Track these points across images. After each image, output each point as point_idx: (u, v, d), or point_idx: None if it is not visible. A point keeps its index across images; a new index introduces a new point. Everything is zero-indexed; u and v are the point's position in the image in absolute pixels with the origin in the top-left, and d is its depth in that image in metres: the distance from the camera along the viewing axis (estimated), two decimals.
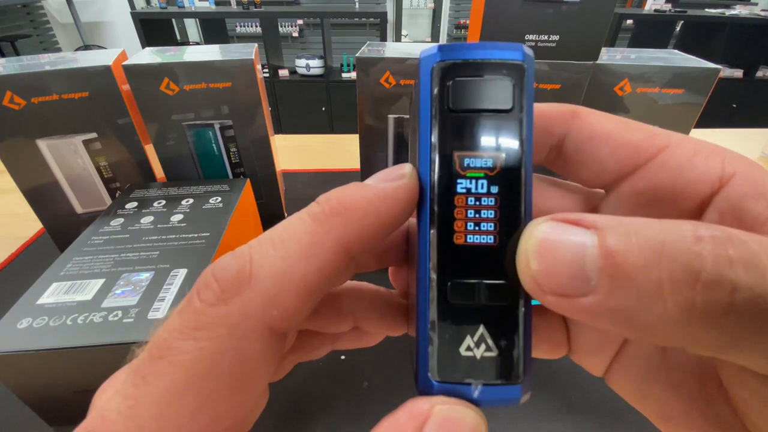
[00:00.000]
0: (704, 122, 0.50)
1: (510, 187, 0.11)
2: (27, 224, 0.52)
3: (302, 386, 0.33)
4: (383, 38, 2.38)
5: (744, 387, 0.10)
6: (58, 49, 2.89)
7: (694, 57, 0.42)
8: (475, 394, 0.10)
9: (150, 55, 0.42)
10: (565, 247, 0.09)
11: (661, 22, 2.66)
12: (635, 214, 0.10)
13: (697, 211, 0.11)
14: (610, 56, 0.41)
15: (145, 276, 0.28)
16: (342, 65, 2.84)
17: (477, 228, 0.11)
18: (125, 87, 0.40)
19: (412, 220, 0.12)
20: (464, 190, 0.11)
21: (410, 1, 3.33)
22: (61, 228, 0.45)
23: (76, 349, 0.24)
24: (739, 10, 2.48)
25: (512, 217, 0.11)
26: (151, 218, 0.35)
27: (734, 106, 2.60)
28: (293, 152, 0.72)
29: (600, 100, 0.41)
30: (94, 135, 0.41)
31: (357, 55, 0.40)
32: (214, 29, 2.95)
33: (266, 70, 2.63)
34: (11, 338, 0.24)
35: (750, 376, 0.10)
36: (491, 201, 0.11)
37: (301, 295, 0.10)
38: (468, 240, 0.11)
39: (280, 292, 0.10)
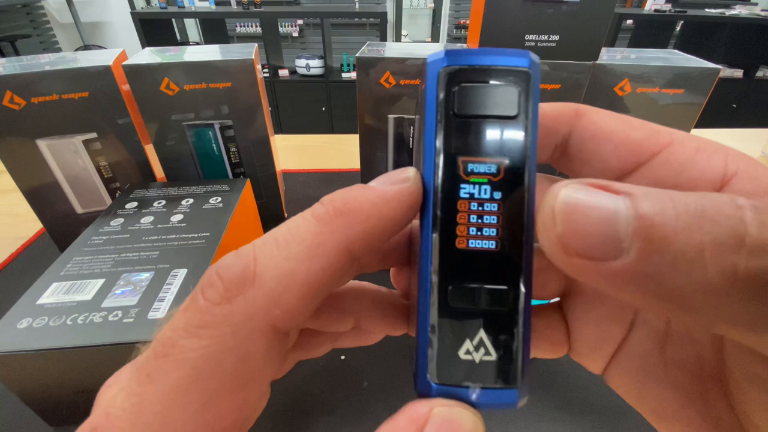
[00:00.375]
0: (704, 122, 0.50)
1: (513, 193, 0.11)
2: (27, 224, 0.52)
3: (302, 386, 0.33)
4: (383, 38, 2.38)
5: (753, 381, 0.10)
6: (58, 49, 2.89)
7: (694, 57, 0.42)
8: (474, 397, 0.10)
9: (150, 55, 0.42)
10: (596, 209, 0.08)
11: (661, 22, 2.66)
12: None
13: None
14: (610, 56, 0.41)
15: (145, 276, 0.28)
16: (342, 65, 2.84)
17: (479, 233, 0.11)
18: (125, 87, 0.40)
19: (416, 223, 0.12)
20: (467, 195, 0.11)
21: (410, 1, 3.33)
22: (61, 228, 0.45)
23: (76, 349, 0.24)
24: (739, 10, 2.48)
25: (515, 223, 0.11)
26: (151, 218, 0.35)
27: (734, 106, 2.60)
28: (293, 152, 0.72)
29: (600, 100, 0.41)
30: (94, 135, 0.41)
31: (357, 55, 0.40)
32: (214, 29, 2.95)
33: (266, 70, 2.63)
34: (11, 338, 0.24)
35: (764, 368, 0.10)
36: (494, 207, 0.11)
37: (304, 295, 0.10)
38: (470, 245, 0.11)
39: (284, 292, 0.10)
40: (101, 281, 0.28)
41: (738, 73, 2.54)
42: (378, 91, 0.41)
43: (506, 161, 0.11)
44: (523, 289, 0.11)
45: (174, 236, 0.33)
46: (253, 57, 0.42)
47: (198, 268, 0.29)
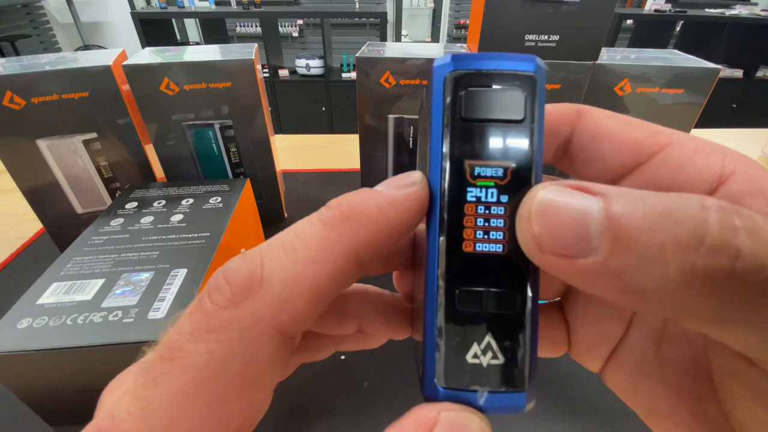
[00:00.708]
0: (704, 122, 0.50)
1: (520, 196, 0.11)
2: (27, 224, 0.52)
3: (302, 386, 0.33)
4: (383, 38, 2.38)
5: (732, 377, 0.10)
6: (58, 49, 2.89)
7: (694, 57, 0.42)
8: (481, 401, 0.10)
9: (150, 55, 0.42)
10: (570, 210, 0.09)
11: (661, 22, 2.66)
12: None
13: None
14: (610, 56, 0.41)
15: (145, 276, 0.28)
16: (342, 65, 2.84)
17: (486, 236, 0.11)
18: (125, 87, 0.40)
19: (420, 226, 0.12)
20: (474, 199, 0.11)
21: (410, 1, 3.33)
22: (61, 228, 0.45)
23: (76, 349, 0.24)
24: (739, 10, 2.48)
25: None
26: (151, 218, 0.35)
27: (734, 106, 2.60)
28: (293, 152, 0.72)
29: (600, 100, 0.41)
30: (94, 135, 0.41)
31: (357, 55, 0.40)
32: (214, 29, 2.95)
33: (266, 70, 2.63)
34: (11, 338, 0.24)
35: (739, 363, 0.10)
36: (501, 210, 0.11)
37: (311, 299, 0.10)
38: (477, 248, 0.11)
39: (291, 297, 0.10)
40: (101, 281, 0.28)
41: (738, 73, 2.54)
42: (378, 91, 0.41)
43: (513, 165, 0.11)
44: (530, 292, 0.11)
45: (174, 236, 0.33)
46: (253, 57, 0.42)
47: (198, 268, 0.29)
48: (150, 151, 0.44)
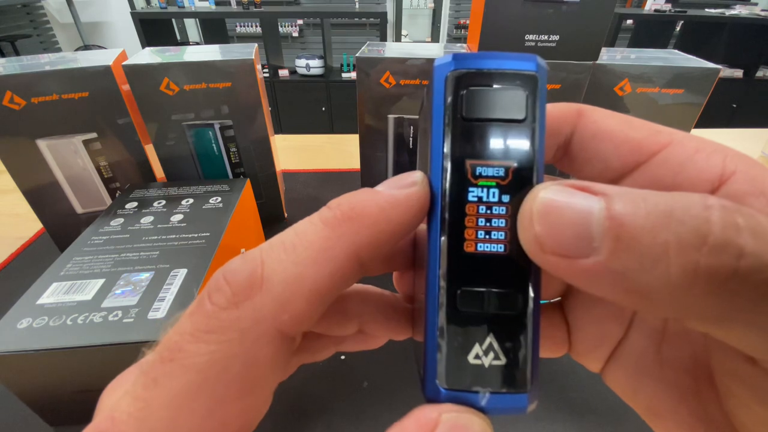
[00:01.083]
0: (704, 122, 0.50)
1: (521, 196, 0.11)
2: (27, 224, 0.52)
3: (302, 386, 0.33)
4: (383, 38, 2.38)
5: (734, 376, 0.10)
6: (58, 49, 2.89)
7: (694, 57, 0.42)
8: (483, 402, 0.10)
9: (150, 55, 0.42)
10: (571, 210, 0.09)
11: (661, 22, 2.65)
12: None
13: None
14: (610, 56, 0.41)
15: (145, 276, 0.28)
16: (342, 65, 2.84)
17: (488, 236, 0.11)
18: (125, 87, 0.40)
19: (421, 226, 0.12)
20: (476, 199, 0.11)
21: (410, 1, 3.33)
22: (61, 228, 0.45)
23: (76, 349, 0.24)
24: (739, 10, 2.48)
25: None
26: (151, 218, 0.35)
27: (734, 106, 2.60)
28: (293, 152, 0.72)
29: (600, 100, 0.41)
30: (94, 135, 0.41)
31: (357, 55, 0.40)
32: (214, 29, 2.95)
33: (266, 70, 2.63)
34: (11, 338, 0.24)
35: (741, 362, 0.10)
36: (502, 210, 0.11)
37: (312, 300, 0.10)
38: (478, 248, 0.11)
39: (292, 297, 0.10)
40: (101, 281, 0.28)
41: (738, 73, 2.54)
42: (378, 91, 0.41)
43: (514, 164, 0.11)
44: (532, 292, 0.11)
45: (174, 236, 0.33)
46: (253, 57, 0.42)
47: (198, 268, 0.29)
48: (150, 151, 0.44)
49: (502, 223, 0.11)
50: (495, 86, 0.11)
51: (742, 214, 0.08)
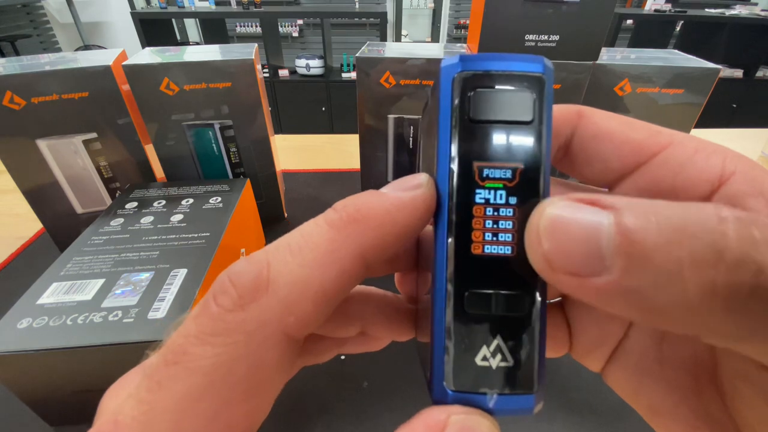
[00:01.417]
0: (704, 122, 0.50)
1: (528, 198, 0.11)
2: (27, 224, 0.52)
3: (302, 386, 0.33)
4: (383, 38, 2.38)
5: (744, 379, 0.10)
6: (58, 49, 2.89)
7: (694, 57, 0.42)
8: (491, 403, 0.10)
9: (150, 55, 0.42)
10: (579, 226, 0.09)
11: (661, 22, 2.65)
12: None
13: None
14: (610, 56, 0.41)
15: (145, 276, 0.28)
16: (342, 65, 2.84)
17: (495, 238, 0.11)
18: (125, 87, 0.40)
19: (426, 228, 0.12)
20: (483, 201, 0.11)
21: (410, 1, 3.33)
22: (61, 228, 0.45)
23: (76, 349, 0.24)
24: (739, 10, 2.48)
25: None
26: (151, 218, 0.35)
27: (734, 106, 2.60)
28: (293, 152, 0.72)
29: (600, 100, 0.41)
30: (94, 135, 0.41)
31: (357, 55, 0.40)
32: (214, 29, 2.95)
33: (266, 70, 2.63)
34: (11, 338, 0.24)
35: (753, 368, 0.10)
36: (509, 212, 0.11)
37: (318, 302, 0.10)
38: (486, 250, 0.11)
39: (298, 299, 0.10)
40: (101, 281, 0.28)
41: (738, 73, 2.54)
42: (378, 91, 0.41)
43: (521, 166, 0.11)
44: (539, 293, 0.11)
45: (174, 236, 0.33)
46: (253, 57, 0.42)
47: (198, 268, 0.29)
48: (150, 151, 0.44)
49: (509, 225, 0.11)
50: (502, 88, 0.11)
51: (758, 226, 0.07)
